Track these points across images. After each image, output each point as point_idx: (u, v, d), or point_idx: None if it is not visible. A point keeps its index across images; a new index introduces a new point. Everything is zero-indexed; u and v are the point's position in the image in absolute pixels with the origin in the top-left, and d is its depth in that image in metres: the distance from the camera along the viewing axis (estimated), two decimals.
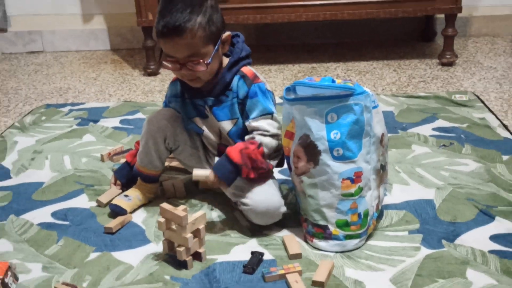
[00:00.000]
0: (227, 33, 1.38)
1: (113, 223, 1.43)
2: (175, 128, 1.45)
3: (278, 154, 1.43)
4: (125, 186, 1.57)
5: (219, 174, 1.33)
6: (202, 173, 1.35)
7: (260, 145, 1.35)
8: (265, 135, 1.37)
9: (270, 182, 1.40)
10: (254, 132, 1.38)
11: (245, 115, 1.41)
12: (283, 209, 1.37)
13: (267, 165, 1.38)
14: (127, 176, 1.57)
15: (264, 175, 1.39)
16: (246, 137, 1.39)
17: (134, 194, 1.51)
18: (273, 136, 1.38)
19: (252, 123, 1.39)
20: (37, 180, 1.72)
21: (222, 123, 1.43)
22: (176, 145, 1.47)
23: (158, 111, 1.49)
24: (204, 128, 1.47)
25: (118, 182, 1.58)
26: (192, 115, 1.47)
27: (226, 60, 1.43)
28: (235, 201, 1.42)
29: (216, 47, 1.35)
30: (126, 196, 1.50)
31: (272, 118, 1.40)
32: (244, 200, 1.37)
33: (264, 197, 1.35)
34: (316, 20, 2.56)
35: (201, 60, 1.33)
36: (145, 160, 1.48)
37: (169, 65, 1.36)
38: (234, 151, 1.33)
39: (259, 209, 1.35)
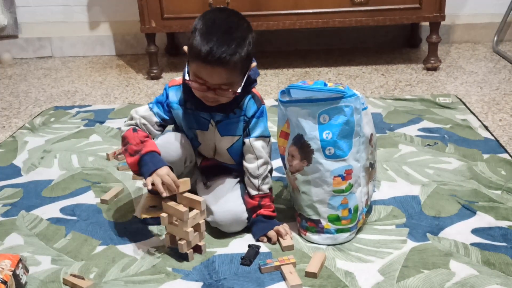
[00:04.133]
0: (254, 64, 1.33)
1: (108, 195, 1.54)
2: (190, 149, 1.41)
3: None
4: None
5: (262, 233, 1.33)
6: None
7: (270, 189, 1.37)
8: (263, 178, 1.36)
9: (234, 190, 1.39)
10: (256, 182, 1.36)
11: (246, 132, 1.37)
12: (246, 215, 1.35)
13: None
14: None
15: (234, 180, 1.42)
16: (252, 192, 1.36)
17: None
18: (267, 164, 1.36)
19: (252, 142, 1.36)
20: (47, 178, 1.71)
21: (224, 138, 1.38)
22: (193, 161, 1.44)
23: (168, 141, 1.37)
24: (201, 141, 1.41)
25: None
26: (194, 127, 1.39)
27: None
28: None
29: (244, 77, 1.30)
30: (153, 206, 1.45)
31: (268, 141, 1.38)
32: (210, 215, 1.35)
33: (228, 208, 1.33)
34: (309, 27, 2.55)
35: (230, 90, 1.27)
36: None
37: (196, 86, 1.27)
38: (268, 212, 1.35)
39: (224, 221, 1.33)
